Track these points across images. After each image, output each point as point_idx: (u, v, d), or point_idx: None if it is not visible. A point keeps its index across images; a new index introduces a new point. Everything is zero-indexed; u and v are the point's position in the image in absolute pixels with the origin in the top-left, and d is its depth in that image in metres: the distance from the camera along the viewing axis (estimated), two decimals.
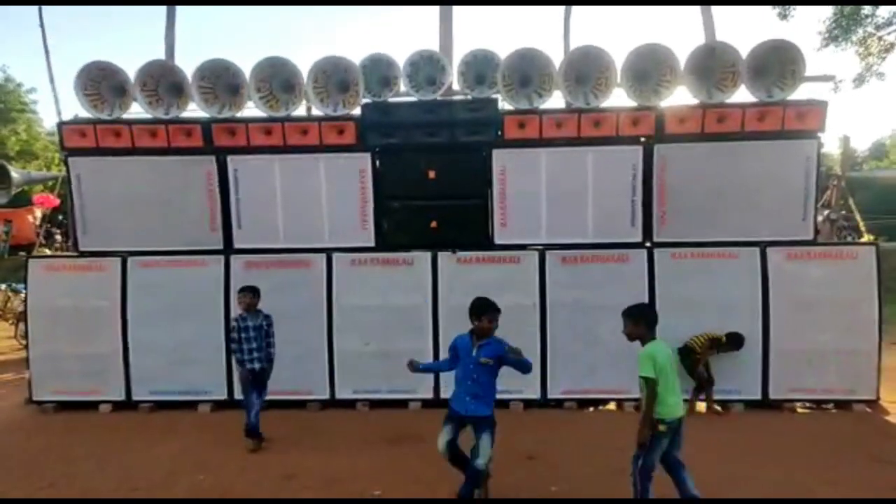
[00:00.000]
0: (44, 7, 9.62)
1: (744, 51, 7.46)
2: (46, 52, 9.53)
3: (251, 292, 6.58)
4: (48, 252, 17.81)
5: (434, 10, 9.22)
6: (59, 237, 23.27)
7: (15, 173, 14.25)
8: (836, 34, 18.10)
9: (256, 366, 6.52)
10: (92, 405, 8.01)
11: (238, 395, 7.78)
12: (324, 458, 6.27)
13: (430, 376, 7.80)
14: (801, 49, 7.43)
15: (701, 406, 7.65)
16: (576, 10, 9.74)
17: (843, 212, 10.89)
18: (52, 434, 7.27)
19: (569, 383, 7.74)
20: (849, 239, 11.50)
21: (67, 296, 8.05)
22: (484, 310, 5.10)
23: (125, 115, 8.04)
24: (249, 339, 6.49)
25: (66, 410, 8.03)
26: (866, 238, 8.76)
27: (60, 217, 16.12)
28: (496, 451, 6.19)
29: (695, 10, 8.99)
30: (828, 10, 18.14)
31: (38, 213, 21.27)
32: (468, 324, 7.76)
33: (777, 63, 7.52)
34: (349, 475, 5.85)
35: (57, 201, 18.73)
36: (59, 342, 8.03)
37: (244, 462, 6.13)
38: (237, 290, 6.75)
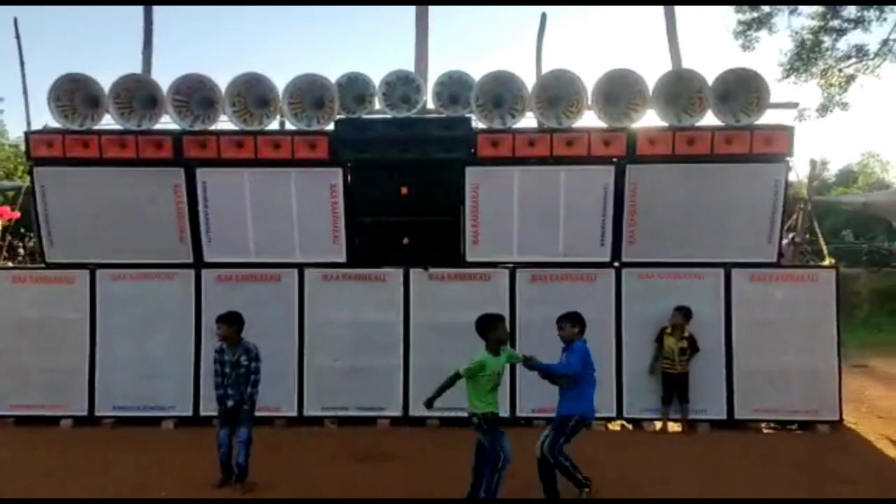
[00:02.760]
0: (19, 18, 9.55)
1: (710, 78, 7.64)
2: (21, 63, 9.43)
3: (226, 322, 5.81)
4: (11, 265, 17.33)
5: (410, 32, 9.32)
6: (21, 250, 22.78)
7: None
8: (797, 66, 18.64)
9: (229, 403, 5.86)
10: (53, 420, 7.81)
11: (203, 412, 7.72)
12: (290, 475, 6.21)
13: (400, 393, 7.78)
14: (764, 77, 7.66)
15: (675, 426, 7.75)
16: (549, 33, 9.89)
17: (807, 235, 11.13)
18: (12, 449, 7.08)
19: (538, 402, 7.67)
20: (810, 263, 11.78)
21: (34, 308, 7.91)
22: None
23: (96, 127, 7.93)
24: (225, 374, 5.83)
25: (26, 425, 7.82)
26: (827, 262, 8.95)
27: (22, 230, 15.72)
28: (467, 469, 6.22)
29: (662, 38, 9.23)
30: (789, 43, 18.71)
31: None
32: (439, 339, 7.92)
33: (742, 90, 7.71)
34: (316, 493, 5.80)
35: (17, 214, 18.28)
36: (23, 355, 7.86)
37: (208, 479, 5.97)
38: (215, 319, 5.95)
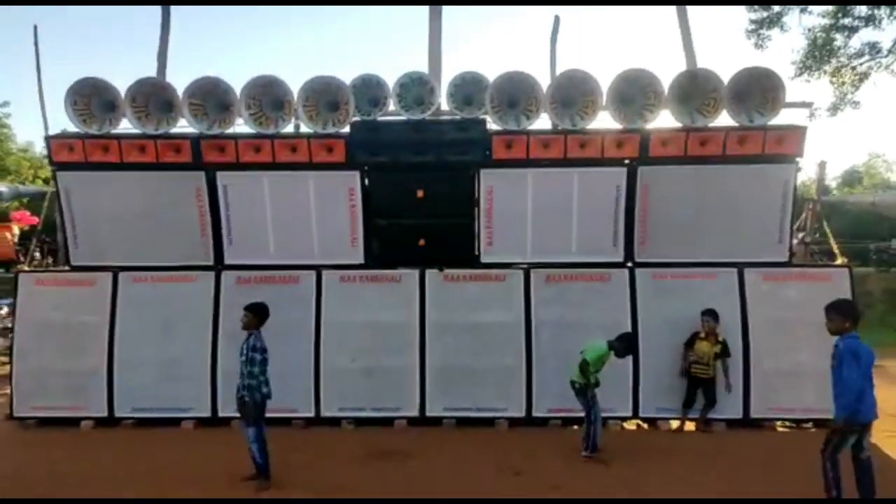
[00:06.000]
0: (25, 19, 9.79)
1: (725, 77, 7.66)
2: (38, 68, 9.60)
3: (251, 311, 5.96)
4: (27, 269, 17.44)
5: (424, 34, 9.40)
6: (37, 254, 22.87)
7: (3, 187, 14.29)
8: (810, 64, 18.58)
9: (238, 395, 5.93)
10: (74, 421, 7.91)
11: (222, 413, 7.82)
12: (311, 473, 6.29)
13: (417, 393, 7.85)
14: (780, 76, 7.68)
15: (689, 425, 7.80)
16: (562, 33, 9.95)
17: (817, 235, 11.16)
18: (35, 450, 7.19)
19: (553, 401, 7.76)
20: (819, 262, 11.82)
21: (56, 310, 8.00)
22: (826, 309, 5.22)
23: (114, 131, 8.03)
24: (240, 362, 5.92)
25: (47, 426, 7.92)
26: (840, 261, 8.95)
27: (44, 235, 15.82)
28: (484, 467, 6.29)
29: (677, 38, 9.25)
30: (802, 41, 18.70)
31: (16, 229, 20.98)
32: (455, 340, 8.00)
33: (757, 89, 7.74)
34: (337, 491, 5.88)
35: (35, 219, 18.39)
36: (44, 357, 7.96)
37: (230, 477, 6.07)
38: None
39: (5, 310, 13.08)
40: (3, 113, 32.98)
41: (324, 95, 7.90)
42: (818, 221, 12.50)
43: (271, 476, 5.96)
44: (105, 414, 7.95)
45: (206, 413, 7.93)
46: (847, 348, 5.01)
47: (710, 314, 7.58)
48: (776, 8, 18.14)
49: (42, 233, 11.85)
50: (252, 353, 5.82)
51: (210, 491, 5.84)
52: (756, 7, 18.16)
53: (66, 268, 8.41)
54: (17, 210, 18.83)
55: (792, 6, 17.94)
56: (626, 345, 6.79)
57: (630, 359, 7.75)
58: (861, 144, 70.97)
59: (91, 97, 7.92)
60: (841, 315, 5.09)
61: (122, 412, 7.97)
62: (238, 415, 6.18)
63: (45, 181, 28.71)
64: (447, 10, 9.58)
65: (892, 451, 6.97)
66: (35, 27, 9.72)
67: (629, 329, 7.77)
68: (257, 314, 5.97)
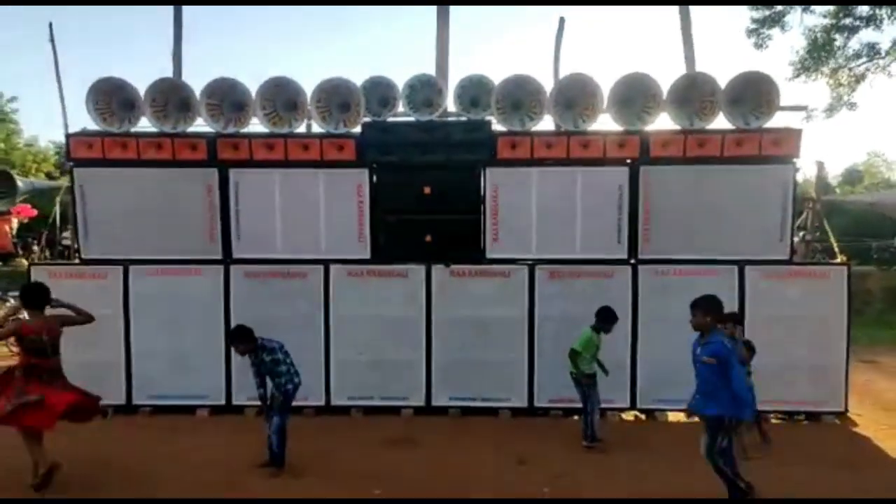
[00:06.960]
0: (35, 16, 10.00)
1: (722, 80, 7.88)
2: (57, 67, 9.78)
3: (233, 343, 6.38)
4: (25, 263, 17.63)
5: (432, 36, 9.62)
6: (35, 248, 23.04)
7: (20, 181, 14.54)
8: (808, 65, 18.73)
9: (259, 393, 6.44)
10: None
11: (236, 401, 8.12)
12: (324, 459, 6.55)
13: (423, 384, 8.12)
14: (775, 81, 7.92)
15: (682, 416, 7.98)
16: (566, 38, 10.16)
17: (818, 233, 11.31)
18: (53, 437, 7.40)
19: (555, 392, 7.99)
20: (820, 260, 12.01)
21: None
22: (691, 305, 5.30)
23: (132, 129, 8.27)
24: (254, 372, 6.37)
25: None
26: (839, 259, 9.17)
27: (46, 231, 16.02)
28: (490, 455, 6.49)
29: (677, 42, 9.47)
30: (801, 42, 18.82)
31: (15, 222, 21.13)
32: (460, 333, 8.23)
33: (753, 93, 7.96)
34: (350, 475, 6.17)
35: (34, 212, 18.54)
36: (61, 348, 8.18)
37: (246, 462, 6.35)
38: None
39: (12, 302, 13.26)
40: (11, 108, 33.31)
41: (335, 96, 8.14)
42: (819, 220, 12.70)
43: (285, 464, 6.22)
44: (123, 402, 8.22)
45: (221, 401, 8.20)
46: (730, 349, 5.18)
47: (731, 317, 6.92)
48: (779, 6, 18.28)
49: (48, 227, 12.07)
50: (263, 358, 6.17)
51: (224, 475, 6.12)
52: (759, 6, 18.30)
53: (76, 261, 8.65)
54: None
55: (795, 6, 18.07)
56: (603, 318, 6.96)
57: (629, 354, 8.03)
58: (860, 144, 71.09)
59: (111, 96, 8.15)
60: (703, 311, 5.22)
61: (140, 400, 8.25)
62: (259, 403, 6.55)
63: (48, 175, 29.05)
64: (454, 17, 9.76)
65: (891, 448, 7.16)
66: (50, 24, 9.91)
67: (630, 323, 8.01)
68: (243, 340, 6.21)
